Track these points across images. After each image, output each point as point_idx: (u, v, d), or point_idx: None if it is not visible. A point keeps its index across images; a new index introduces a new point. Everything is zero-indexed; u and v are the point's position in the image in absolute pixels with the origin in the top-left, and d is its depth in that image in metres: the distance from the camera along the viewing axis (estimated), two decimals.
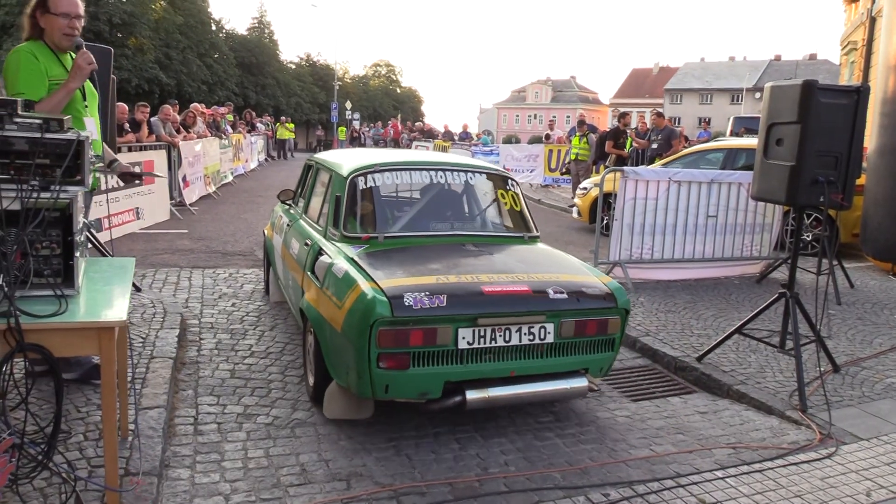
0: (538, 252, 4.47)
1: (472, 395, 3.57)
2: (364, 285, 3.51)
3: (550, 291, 3.72)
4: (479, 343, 3.57)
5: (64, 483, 2.81)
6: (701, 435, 3.94)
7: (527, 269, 3.96)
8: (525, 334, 3.65)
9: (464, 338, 3.53)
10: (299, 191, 5.65)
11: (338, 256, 3.95)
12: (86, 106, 3.79)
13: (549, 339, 3.70)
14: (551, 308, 3.68)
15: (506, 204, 4.85)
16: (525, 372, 3.71)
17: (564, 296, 3.73)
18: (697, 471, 3.47)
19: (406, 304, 3.42)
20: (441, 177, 4.69)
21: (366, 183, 4.42)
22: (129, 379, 3.59)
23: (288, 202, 5.83)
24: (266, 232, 6.36)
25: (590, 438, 3.85)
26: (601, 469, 3.48)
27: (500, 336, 3.60)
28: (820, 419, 4.04)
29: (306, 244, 4.57)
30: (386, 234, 4.25)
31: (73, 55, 3.71)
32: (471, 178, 4.84)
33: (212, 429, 3.74)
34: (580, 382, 3.83)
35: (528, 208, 4.86)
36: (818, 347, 4.64)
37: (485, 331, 3.57)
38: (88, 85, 3.81)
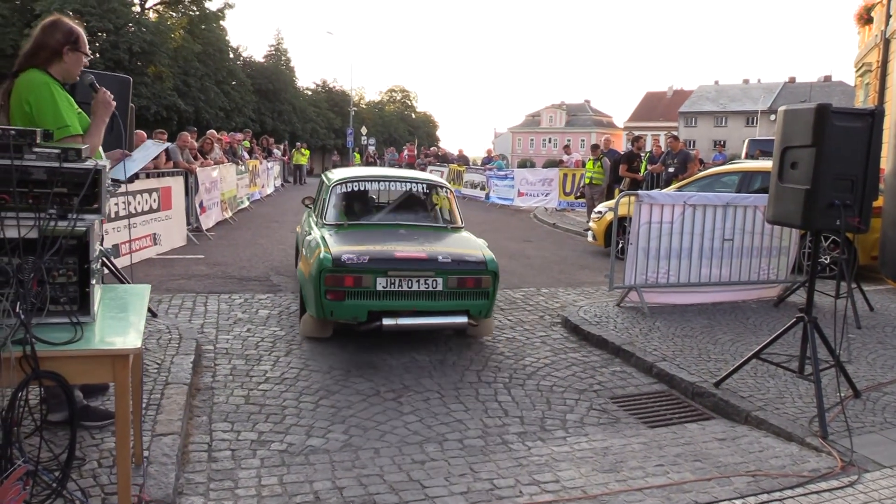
0: (453, 237, 6.27)
1: (387, 321, 5.40)
2: (322, 250, 5.49)
3: (440, 257, 5.53)
4: (390, 287, 5.40)
5: None
6: (719, 462, 3.88)
7: (433, 245, 5.80)
8: (422, 284, 5.45)
9: (380, 283, 5.37)
10: (316, 196, 7.47)
11: (316, 236, 5.90)
12: None
13: (439, 288, 5.48)
14: (439, 268, 5.48)
15: (437, 204, 6.92)
16: (423, 309, 5.51)
17: (449, 261, 5.54)
18: (716, 499, 3.42)
19: (342, 260, 5.33)
20: (394, 186, 6.90)
21: (342, 189, 6.58)
22: (143, 405, 3.60)
23: (310, 205, 7.59)
24: (297, 229, 8.20)
25: (606, 466, 3.81)
26: (617, 497, 3.43)
27: (405, 284, 5.42)
28: (841, 446, 3.96)
29: (305, 230, 6.57)
30: (349, 223, 6.30)
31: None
32: (415, 186, 6.92)
33: (226, 455, 3.74)
34: (462, 319, 5.56)
35: (457, 207, 6.80)
36: (838, 372, 4.57)
37: (394, 280, 5.40)
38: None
